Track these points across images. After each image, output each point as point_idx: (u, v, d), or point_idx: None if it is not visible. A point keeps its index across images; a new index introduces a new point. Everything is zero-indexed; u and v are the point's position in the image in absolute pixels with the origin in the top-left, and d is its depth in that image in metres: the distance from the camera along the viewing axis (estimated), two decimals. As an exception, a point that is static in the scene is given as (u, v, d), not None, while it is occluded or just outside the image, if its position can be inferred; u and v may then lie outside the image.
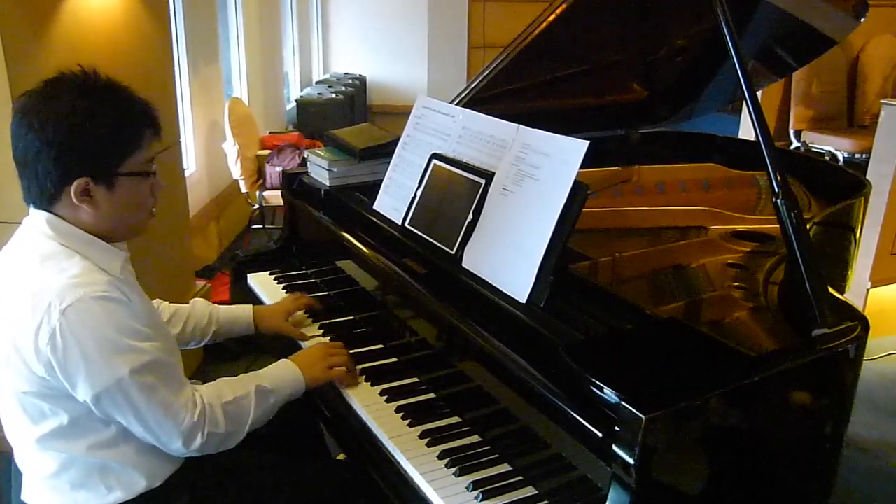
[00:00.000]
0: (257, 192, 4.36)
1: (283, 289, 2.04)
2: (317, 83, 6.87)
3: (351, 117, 6.22)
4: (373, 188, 1.91)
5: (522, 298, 1.39)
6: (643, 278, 1.67)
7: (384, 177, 1.87)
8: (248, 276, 2.15)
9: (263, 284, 2.09)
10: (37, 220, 1.29)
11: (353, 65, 7.45)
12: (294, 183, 2.22)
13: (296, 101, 6.18)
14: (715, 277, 1.66)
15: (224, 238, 4.59)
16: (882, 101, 3.49)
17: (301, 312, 1.86)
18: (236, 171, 4.33)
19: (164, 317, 1.66)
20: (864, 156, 4.01)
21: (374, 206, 1.86)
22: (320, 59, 7.42)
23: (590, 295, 1.45)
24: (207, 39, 4.33)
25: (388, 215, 1.81)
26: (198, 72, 4.12)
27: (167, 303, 1.71)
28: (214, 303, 1.84)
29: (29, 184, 1.27)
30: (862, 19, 2.40)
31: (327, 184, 2.08)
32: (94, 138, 1.24)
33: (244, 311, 1.80)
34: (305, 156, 2.24)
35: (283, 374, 1.51)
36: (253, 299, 2.06)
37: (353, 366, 1.61)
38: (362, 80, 7.27)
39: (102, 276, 1.26)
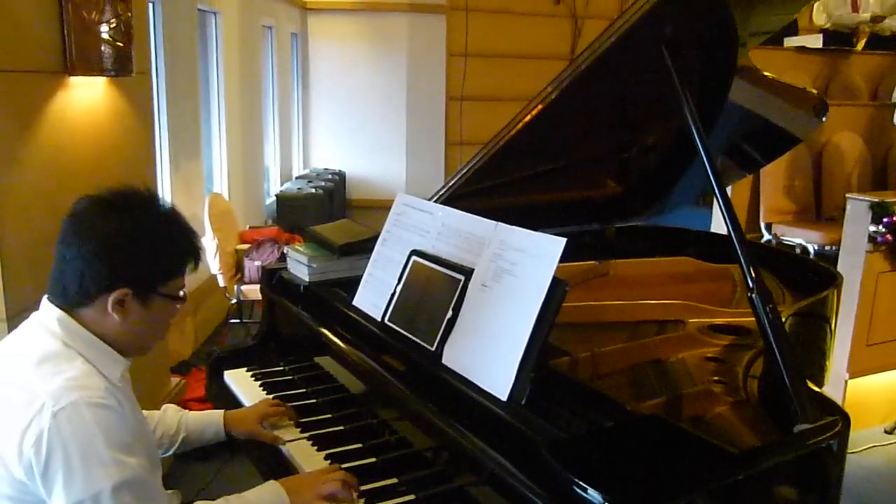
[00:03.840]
0: (235, 287, 4.34)
1: (261, 386, 2.01)
2: (297, 178, 6.97)
3: (330, 212, 6.29)
4: (352, 284, 1.91)
5: (503, 396, 1.37)
6: (623, 373, 1.67)
7: (364, 273, 1.88)
8: (225, 372, 2.11)
9: (240, 381, 2.06)
10: (47, 317, 1.30)
11: (332, 160, 7.59)
12: (273, 279, 2.22)
13: (276, 195, 6.25)
14: (695, 372, 1.66)
15: (200, 333, 4.54)
16: (847, 195, 3.61)
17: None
18: (215, 266, 4.32)
19: None
20: (833, 248, 4.10)
21: (354, 302, 1.86)
22: (300, 154, 7.56)
23: (571, 391, 1.44)
24: (190, 135, 4.41)
25: (367, 311, 1.80)
26: (179, 167, 4.17)
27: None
28: (189, 400, 1.80)
29: (65, 281, 1.29)
30: (823, 118, 2.50)
31: (307, 280, 2.08)
32: (148, 257, 1.31)
33: (215, 417, 1.76)
34: (285, 251, 2.25)
35: (268, 500, 1.44)
36: (229, 396, 2.02)
37: (349, 494, 1.48)
38: (342, 175, 7.40)
39: (101, 382, 1.25)
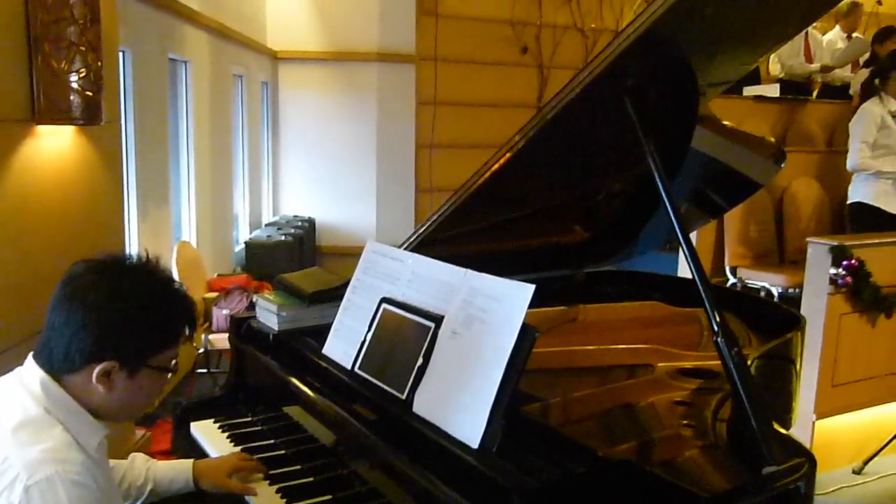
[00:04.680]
0: (203, 336, 4.28)
1: (228, 437, 1.97)
2: (266, 225, 6.95)
3: (300, 259, 6.27)
4: (322, 332, 1.90)
5: (474, 443, 1.37)
6: (594, 418, 1.67)
7: (334, 321, 1.87)
8: (192, 423, 2.07)
9: (207, 433, 2.02)
10: (30, 378, 1.26)
11: (302, 207, 7.60)
12: (242, 327, 2.20)
13: (245, 243, 6.22)
14: (664, 416, 1.67)
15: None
16: (808, 239, 3.69)
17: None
18: (183, 315, 4.26)
19: None
20: (796, 290, 4.18)
21: (324, 351, 1.85)
22: (270, 201, 7.55)
23: (542, 437, 1.44)
24: (158, 183, 4.39)
25: (337, 360, 1.79)
26: (147, 215, 4.15)
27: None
28: (154, 453, 1.76)
29: (52, 346, 1.25)
30: (782, 164, 2.58)
31: (276, 328, 2.06)
32: (139, 329, 1.27)
33: (184, 467, 1.72)
34: (254, 300, 2.23)
35: None
36: (196, 449, 1.98)
37: None
38: (311, 222, 7.39)
39: (79, 455, 1.21)
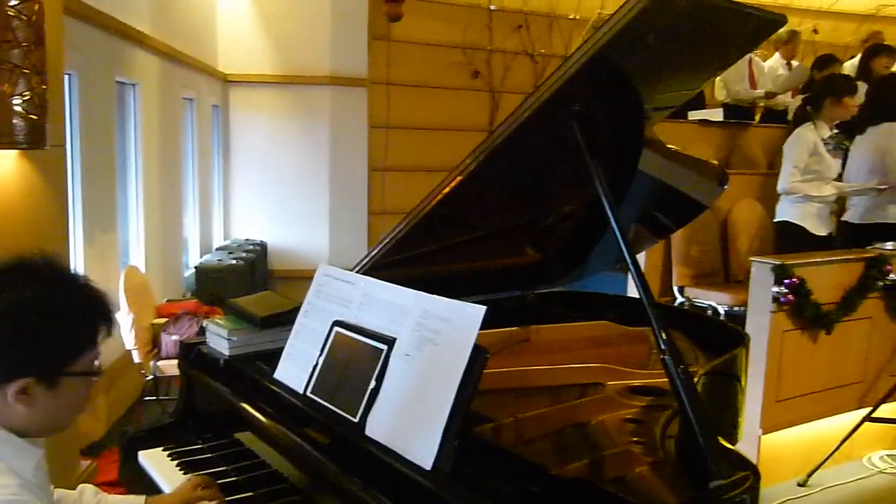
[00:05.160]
0: (151, 363, 4.19)
1: (178, 466, 1.94)
2: (217, 249, 6.86)
3: (251, 283, 6.20)
4: (274, 357, 1.89)
5: (428, 465, 1.37)
6: (546, 438, 1.69)
7: (286, 345, 1.86)
8: (140, 452, 2.03)
9: (156, 462, 1.98)
10: None
11: (254, 231, 7.53)
12: (192, 353, 2.17)
13: (195, 267, 6.13)
14: (615, 433, 1.70)
15: (113, 412, 4.34)
16: (751, 258, 3.80)
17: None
18: (129, 341, 4.17)
19: None
20: (741, 308, 4.28)
21: (275, 375, 1.84)
22: (221, 225, 7.46)
23: (495, 457, 1.45)
24: (105, 207, 4.31)
25: (289, 384, 1.78)
26: (94, 240, 4.06)
27: (52, 486, 1.59)
28: (100, 484, 1.72)
29: None
30: (725, 186, 2.65)
31: (227, 353, 2.04)
32: (51, 339, 1.16)
33: (135, 502, 1.67)
34: (204, 325, 2.21)
35: None
36: (144, 478, 1.93)
37: None
38: (263, 245, 7.33)
39: (12, 480, 1.14)
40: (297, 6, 7.32)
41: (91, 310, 1.24)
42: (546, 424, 1.74)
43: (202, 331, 2.22)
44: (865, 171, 4.58)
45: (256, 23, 7.34)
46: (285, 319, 2.00)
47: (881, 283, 3.86)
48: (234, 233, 7.57)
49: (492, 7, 7.77)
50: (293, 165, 7.46)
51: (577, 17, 7.94)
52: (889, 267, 3.86)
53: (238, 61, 7.32)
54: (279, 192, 7.50)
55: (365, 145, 7.51)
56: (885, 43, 6.64)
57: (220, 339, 2.08)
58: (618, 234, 1.71)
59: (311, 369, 1.72)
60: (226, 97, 7.40)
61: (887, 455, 4.03)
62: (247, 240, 7.32)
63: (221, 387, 1.97)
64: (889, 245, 4.09)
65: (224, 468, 1.90)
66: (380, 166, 7.54)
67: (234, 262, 6.15)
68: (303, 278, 2.26)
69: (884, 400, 3.80)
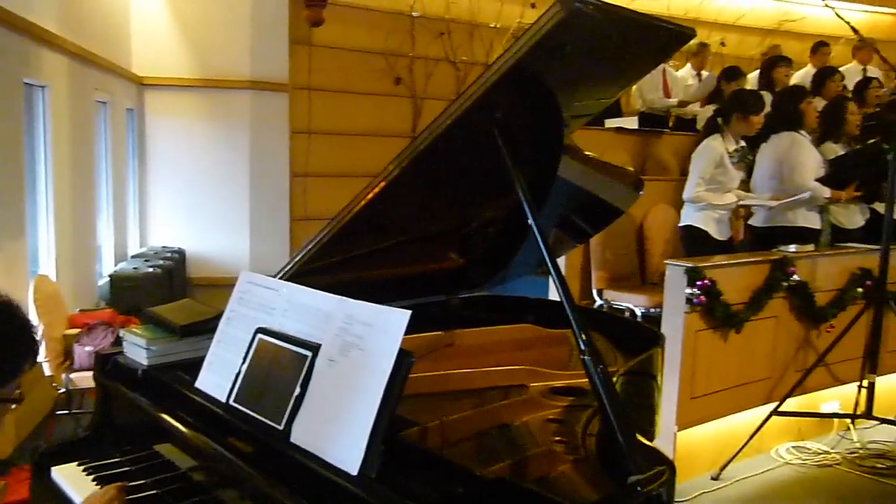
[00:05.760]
0: (64, 375, 4.03)
1: (94, 481, 1.87)
2: (133, 257, 6.65)
3: (169, 292, 6.03)
4: (196, 366, 1.85)
5: (354, 470, 1.37)
6: (471, 440, 1.72)
7: (207, 353, 1.83)
8: (53, 469, 1.95)
9: (71, 478, 1.91)
10: None
11: (171, 238, 7.32)
12: (108, 364, 2.10)
13: (109, 276, 5.92)
14: (538, 434, 1.74)
15: (22, 427, 4.14)
16: (665, 261, 3.94)
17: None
18: (40, 354, 4.00)
19: None
20: (657, 309, 4.43)
21: (197, 384, 1.80)
22: (137, 232, 7.23)
23: (421, 461, 1.47)
24: (12, 214, 4.12)
25: (211, 393, 1.75)
26: (1, 248, 3.88)
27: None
28: (12, 503, 1.65)
29: None
30: (641, 192, 2.75)
31: (145, 363, 1.99)
32: None
33: None
34: (121, 335, 2.14)
35: None
36: (58, 496, 1.87)
37: None
38: (181, 253, 7.13)
39: None
40: (215, 8, 7.17)
41: (19, 339, 1.23)
42: (471, 427, 1.77)
43: (118, 341, 2.16)
44: (767, 177, 4.83)
45: (173, 25, 7.16)
46: (206, 327, 1.96)
47: (785, 284, 4.07)
48: (150, 240, 7.34)
49: (414, 14, 7.81)
50: (212, 171, 7.30)
51: (498, 26, 8.07)
52: (792, 268, 4.08)
53: (154, 64, 7.12)
54: (198, 199, 7.32)
55: (286, 151, 7.42)
56: (783, 55, 7.01)
57: (137, 348, 2.03)
58: (539, 238, 1.75)
59: (233, 377, 1.70)
60: (141, 101, 7.19)
61: (793, 447, 4.25)
62: (164, 247, 7.11)
63: (140, 397, 1.92)
64: (792, 247, 4.31)
65: (143, 481, 1.85)
66: (301, 172, 7.47)
67: (150, 270, 5.96)
68: (223, 286, 2.22)
69: (789, 394, 4.01)
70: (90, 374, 2.74)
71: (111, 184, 6.35)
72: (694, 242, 4.70)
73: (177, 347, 2.03)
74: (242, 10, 7.22)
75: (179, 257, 6.95)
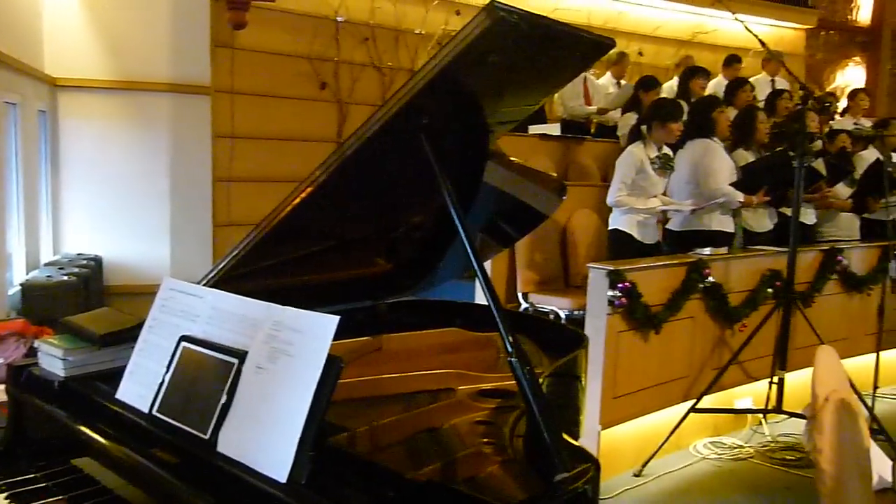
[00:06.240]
0: (-30, 390, 3.84)
1: (7, 499, 1.79)
2: (45, 265, 6.37)
3: (86, 301, 5.81)
4: (115, 376, 1.80)
5: (282, 477, 1.36)
6: (401, 444, 1.73)
7: (128, 363, 1.78)
8: (-39, 488, 1.86)
9: (-19, 496, 1.82)
10: None
11: (87, 245, 7.04)
12: (21, 376, 2.02)
13: (20, 285, 5.66)
14: (466, 436, 1.76)
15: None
16: (588, 265, 4.04)
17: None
18: (-56, 367, 3.80)
19: None
20: (580, 312, 4.53)
21: (117, 395, 1.75)
22: (50, 239, 6.94)
23: (351, 466, 1.47)
24: (-88, 222, 3.90)
25: (133, 403, 1.70)
26: None
27: None
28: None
29: None
30: (564, 197, 2.81)
31: (62, 374, 1.92)
32: None
33: None
34: (36, 345, 2.06)
35: None
36: (-34, 516, 1.78)
37: None
38: (98, 260, 6.88)
39: None
40: (132, 8, 6.95)
41: None
42: (400, 431, 1.78)
43: (32, 352, 2.07)
44: (684, 182, 5.01)
45: (88, 25, 6.90)
46: (127, 336, 1.91)
47: (701, 285, 4.23)
48: (64, 247, 7.05)
49: (339, 19, 7.76)
50: (131, 175, 7.06)
51: (423, 32, 8.10)
52: (707, 270, 4.24)
53: (68, 65, 6.84)
54: (115, 204, 7.07)
55: (208, 155, 7.25)
56: (699, 65, 7.28)
57: (53, 359, 1.95)
58: (466, 243, 1.78)
59: (156, 387, 1.66)
60: (55, 103, 6.90)
61: (710, 442, 4.42)
62: (79, 254, 6.84)
63: (56, 410, 1.85)
64: (707, 250, 4.49)
65: (60, 497, 1.79)
66: (225, 177, 7.31)
67: (65, 278, 5.73)
68: (143, 294, 2.17)
69: (706, 392, 4.16)
70: (2, 387, 2.62)
71: (22, 189, 6.07)
72: (620, 246, 4.84)
73: (95, 357, 1.96)
74: (161, 11, 7.03)
75: (96, 265, 6.70)
